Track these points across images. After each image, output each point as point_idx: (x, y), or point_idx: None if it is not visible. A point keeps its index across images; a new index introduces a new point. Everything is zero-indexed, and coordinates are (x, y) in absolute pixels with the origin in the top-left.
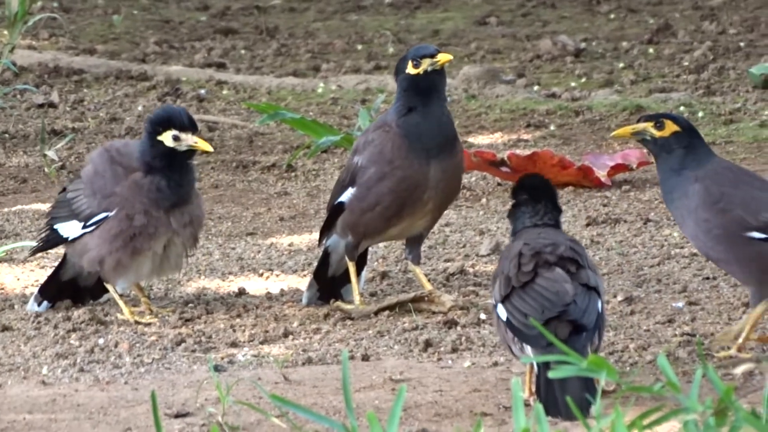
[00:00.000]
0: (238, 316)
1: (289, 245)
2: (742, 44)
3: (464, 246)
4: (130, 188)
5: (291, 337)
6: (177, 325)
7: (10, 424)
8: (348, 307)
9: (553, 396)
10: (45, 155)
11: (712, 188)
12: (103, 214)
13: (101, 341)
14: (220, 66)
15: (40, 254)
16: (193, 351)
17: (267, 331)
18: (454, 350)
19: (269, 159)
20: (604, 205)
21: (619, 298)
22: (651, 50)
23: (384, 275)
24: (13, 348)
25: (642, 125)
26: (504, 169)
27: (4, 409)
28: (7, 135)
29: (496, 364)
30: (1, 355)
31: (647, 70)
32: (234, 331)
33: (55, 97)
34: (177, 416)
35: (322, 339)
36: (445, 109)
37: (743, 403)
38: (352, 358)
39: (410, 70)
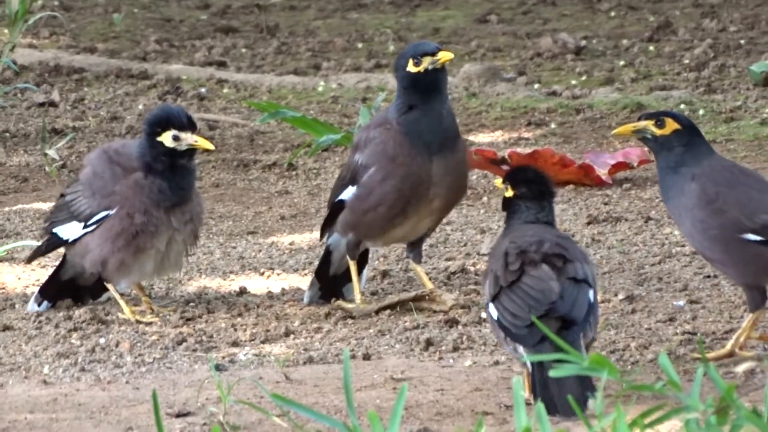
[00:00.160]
0: (239, 315)
1: (290, 244)
2: (742, 42)
3: (465, 245)
4: (131, 187)
5: (292, 336)
6: (178, 324)
7: (12, 424)
8: (349, 306)
9: (549, 394)
10: (46, 154)
11: (708, 188)
12: (104, 213)
13: (102, 341)
14: (221, 64)
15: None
16: (194, 350)
17: (268, 331)
18: (456, 349)
19: (270, 158)
20: (605, 204)
21: (620, 296)
22: (651, 48)
23: (385, 274)
24: (14, 347)
25: (643, 123)
26: (505, 167)
27: (5, 409)
28: (7, 134)
29: (497, 363)
30: (2, 354)
31: (648, 68)
32: (235, 330)
33: (55, 95)
34: (178, 416)
35: (323, 338)
36: (446, 106)
37: (744, 402)
38: (353, 357)
39: (411, 68)
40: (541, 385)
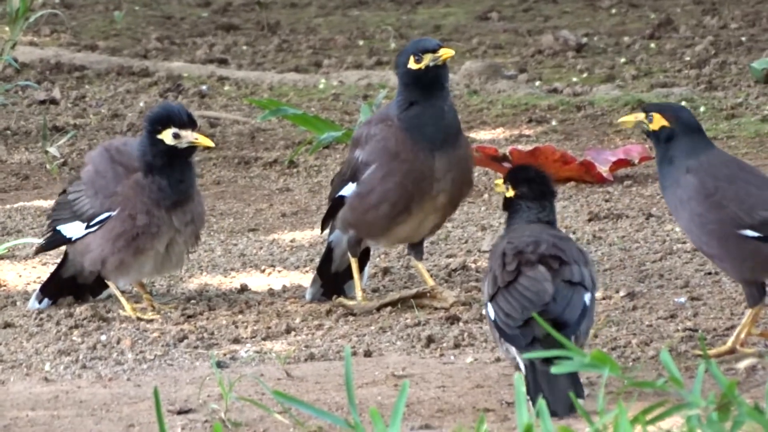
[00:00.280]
0: (241, 312)
1: (291, 241)
2: (743, 39)
3: (466, 242)
4: (132, 188)
5: (293, 333)
6: (179, 321)
7: (13, 421)
8: (350, 303)
9: (540, 395)
10: (47, 152)
11: (707, 181)
12: (106, 214)
13: (103, 338)
14: (222, 62)
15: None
16: (196, 347)
17: (269, 328)
18: (457, 346)
19: (271, 155)
20: (606, 201)
21: (622, 293)
22: (652, 45)
23: (386, 271)
24: (15, 345)
25: (641, 116)
26: (506, 164)
27: (6, 406)
28: (8, 131)
29: (498, 359)
30: (3, 351)
31: (649, 65)
32: (236, 327)
33: (56, 93)
34: (180, 413)
35: (324, 335)
36: (448, 103)
37: (746, 398)
38: (354, 354)
39: (412, 65)
40: (533, 386)
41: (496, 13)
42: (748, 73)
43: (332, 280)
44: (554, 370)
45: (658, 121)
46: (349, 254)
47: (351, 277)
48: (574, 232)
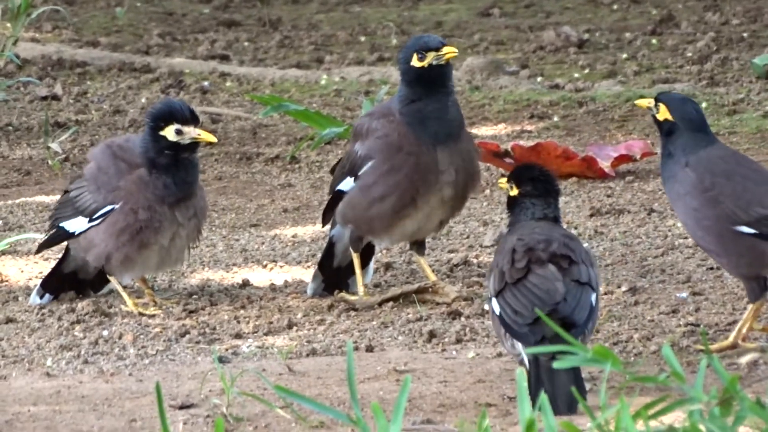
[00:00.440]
0: (242, 307)
1: (293, 236)
2: (745, 35)
3: (468, 237)
4: (135, 183)
5: (295, 328)
6: (181, 316)
7: (15, 416)
8: (352, 298)
9: (542, 391)
10: (48, 148)
11: (704, 176)
12: (109, 207)
13: (105, 333)
14: (224, 58)
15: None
16: (197, 342)
17: (271, 323)
18: (459, 341)
19: (273, 151)
20: (608, 196)
21: (624, 288)
22: (654, 41)
23: (388, 266)
24: (17, 340)
25: (652, 102)
26: (508, 160)
27: (8, 401)
28: (10, 127)
29: (500, 354)
30: (5, 347)
31: (650, 61)
32: (238, 322)
33: (58, 89)
34: (181, 407)
35: (326, 330)
36: (451, 99)
37: (748, 393)
38: (356, 349)
39: (415, 62)
40: (535, 381)
41: (497, 9)
42: (749, 69)
43: (334, 275)
44: (556, 365)
45: (663, 113)
46: (351, 249)
47: (354, 272)
48: (575, 228)
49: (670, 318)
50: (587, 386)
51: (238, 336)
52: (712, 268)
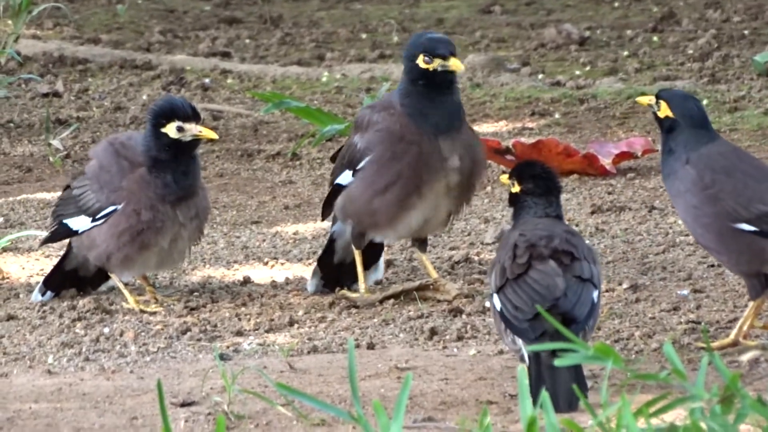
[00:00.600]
0: (243, 304)
1: (294, 234)
2: (746, 32)
3: (469, 234)
4: (137, 182)
5: (296, 325)
6: (182, 313)
7: (16, 413)
8: (353, 295)
9: (543, 388)
10: (50, 144)
11: (704, 174)
12: (112, 207)
13: (106, 330)
14: (225, 55)
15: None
16: (199, 340)
17: (272, 320)
18: (460, 338)
19: (274, 148)
20: (609, 193)
21: (625, 285)
22: (655, 38)
23: (389, 263)
24: (18, 337)
25: (653, 100)
26: (509, 157)
27: (10, 398)
28: (11, 124)
29: (501, 352)
30: (6, 344)
31: (651, 59)
32: (239, 319)
33: (59, 86)
34: (183, 405)
35: (327, 327)
36: (454, 97)
37: (749, 391)
38: (357, 346)
39: (420, 63)
40: (536, 379)
41: (498, 7)
42: (750, 66)
43: (334, 271)
44: (557, 362)
45: (664, 110)
46: (353, 246)
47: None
48: (577, 225)
49: (671, 315)
50: (588, 384)
51: (239, 333)
52: (713, 266)
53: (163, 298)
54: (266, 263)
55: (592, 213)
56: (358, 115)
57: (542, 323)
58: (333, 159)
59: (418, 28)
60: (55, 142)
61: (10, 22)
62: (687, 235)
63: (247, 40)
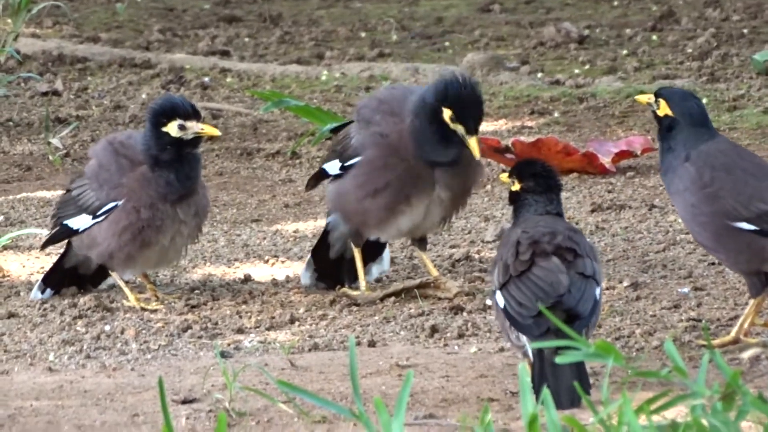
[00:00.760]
0: (244, 302)
1: (294, 232)
2: (745, 31)
3: (469, 232)
4: (137, 180)
5: (297, 323)
6: (183, 311)
7: (17, 411)
8: (354, 293)
9: (546, 385)
10: (49, 143)
11: (704, 172)
12: (112, 204)
13: (107, 328)
14: (224, 54)
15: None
16: (200, 337)
17: (273, 318)
18: (461, 336)
19: (273, 146)
20: (609, 192)
21: (625, 283)
22: (654, 37)
23: (390, 261)
24: (19, 335)
25: (652, 98)
26: (508, 155)
27: (11, 396)
28: (11, 123)
29: (502, 349)
30: (7, 341)
31: (651, 57)
32: (240, 317)
33: (59, 85)
34: (184, 402)
35: (328, 325)
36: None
37: (750, 388)
38: (358, 344)
39: (446, 118)
40: (539, 377)
41: (498, 5)
42: (749, 65)
43: (332, 267)
44: (559, 360)
45: (663, 109)
46: (351, 244)
47: (363, 263)
48: (577, 223)
49: (672, 313)
50: (590, 380)
51: (240, 331)
52: (713, 264)
53: (164, 295)
54: (267, 261)
55: (592, 211)
56: (365, 100)
57: (546, 320)
58: (335, 131)
59: (417, 26)
60: (55, 141)
61: (9, 20)
62: (687, 233)
63: (247, 39)
